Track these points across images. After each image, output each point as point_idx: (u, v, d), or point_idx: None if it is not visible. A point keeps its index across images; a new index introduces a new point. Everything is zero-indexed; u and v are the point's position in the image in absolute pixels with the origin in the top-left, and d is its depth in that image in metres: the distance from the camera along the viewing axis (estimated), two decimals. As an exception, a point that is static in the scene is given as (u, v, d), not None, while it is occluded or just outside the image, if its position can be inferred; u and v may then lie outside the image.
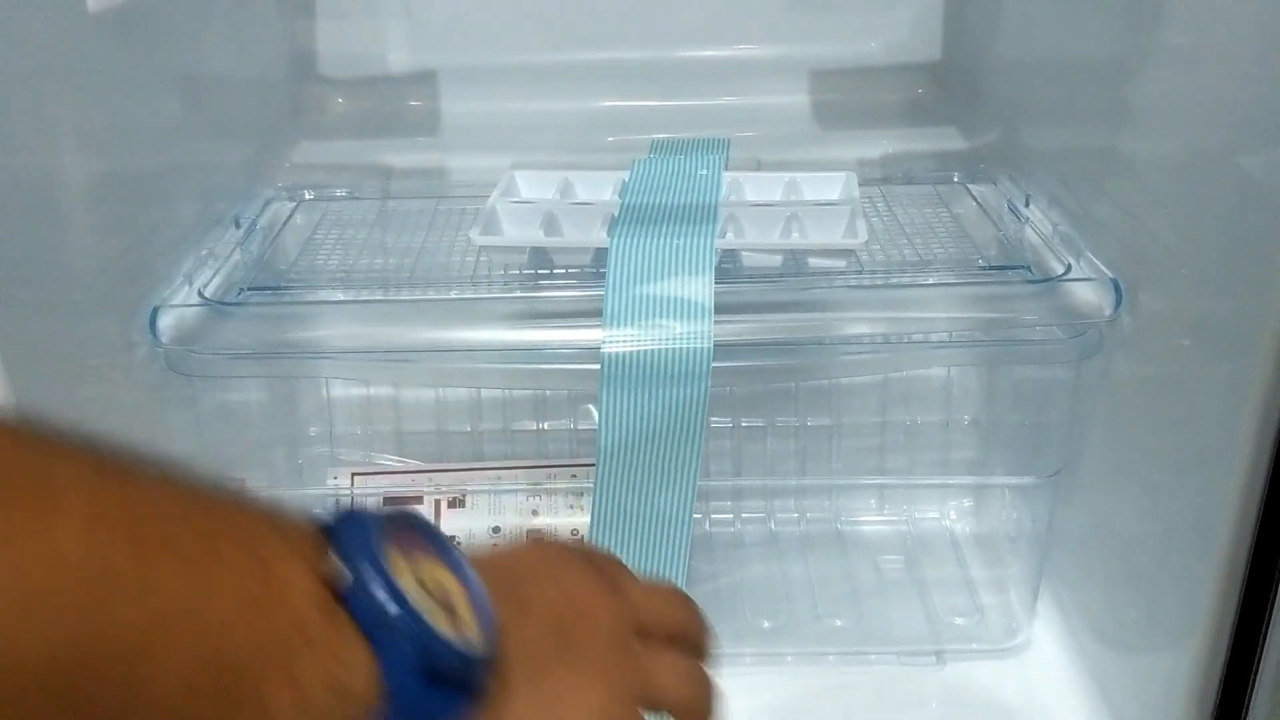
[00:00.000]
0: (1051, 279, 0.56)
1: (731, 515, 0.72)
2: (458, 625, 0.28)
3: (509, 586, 0.31)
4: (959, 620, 0.64)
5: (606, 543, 0.54)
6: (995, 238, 0.62)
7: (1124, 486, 0.56)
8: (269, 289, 0.59)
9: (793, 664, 0.60)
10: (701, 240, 0.53)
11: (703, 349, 0.50)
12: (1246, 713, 0.45)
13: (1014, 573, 0.64)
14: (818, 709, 0.57)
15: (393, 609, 0.27)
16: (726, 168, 0.64)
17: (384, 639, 0.26)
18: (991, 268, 0.59)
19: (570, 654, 0.32)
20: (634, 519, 0.53)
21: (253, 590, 0.26)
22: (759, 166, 0.68)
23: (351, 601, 0.27)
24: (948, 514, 0.72)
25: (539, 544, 0.37)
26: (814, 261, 0.56)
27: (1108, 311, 0.54)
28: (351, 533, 0.28)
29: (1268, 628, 0.43)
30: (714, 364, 0.52)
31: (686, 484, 0.53)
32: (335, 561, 0.27)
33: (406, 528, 0.29)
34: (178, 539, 0.25)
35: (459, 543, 0.31)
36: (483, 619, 0.29)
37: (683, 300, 0.51)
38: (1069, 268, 0.56)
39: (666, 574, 0.54)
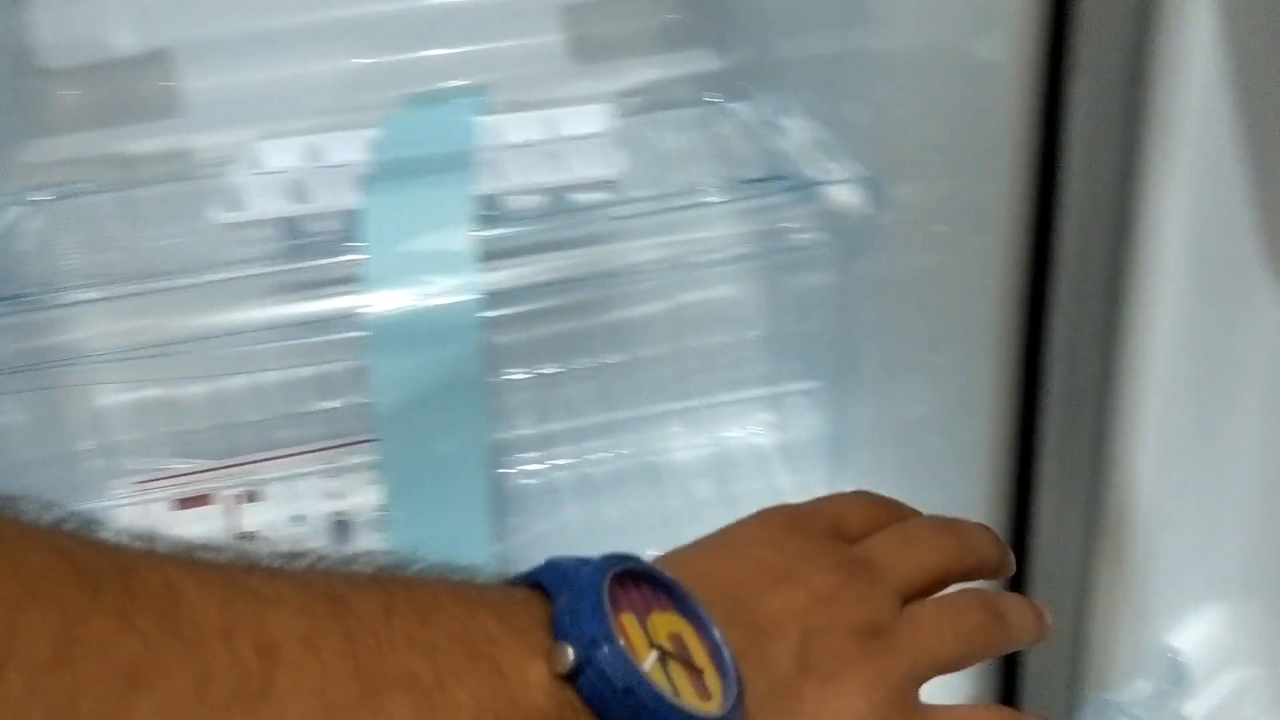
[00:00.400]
0: (811, 185, 0.56)
1: (542, 465, 0.72)
2: (700, 680, 0.26)
3: (739, 603, 0.28)
4: (771, 531, 0.65)
5: (403, 513, 0.53)
6: (755, 152, 0.63)
7: (904, 376, 0.58)
8: (7, 299, 0.55)
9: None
10: (456, 189, 0.52)
11: (469, 300, 0.49)
12: (1030, 578, 0.47)
13: (817, 476, 0.66)
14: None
15: (640, 700, 0.24)
16: (483, 113, 0.63)
17: None
18: (754, 181, 0.59)
19: (819, 664, 0.28)
20: (427, 484, 0.52)
21: (489, 704, 0.23)
22: (516, 109, 0.67)
23: (589, 693, 0.25)
24: (752, 430, 0.73)
25: (763, 526, 0.31)
26: (578, 196, 0.56)
27: (867, 210, 0.55)
28: (576, 606, 0.25)
29: (1036, 492, 0.45)
30: (491, 313, 0.51)
31: (476, 440, 0.52)
32: (564, 646, 0.25)
33: (627, 578, 0.27)
34: (405, 665, 0.23)
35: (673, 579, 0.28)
36: (722, 665, 0.27)
37: (443, 253, 0.50)
38: (827, 173, 0.57)
39: (469, 532, 0.53)
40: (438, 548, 0.54)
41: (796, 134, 0.62)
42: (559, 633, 0.25)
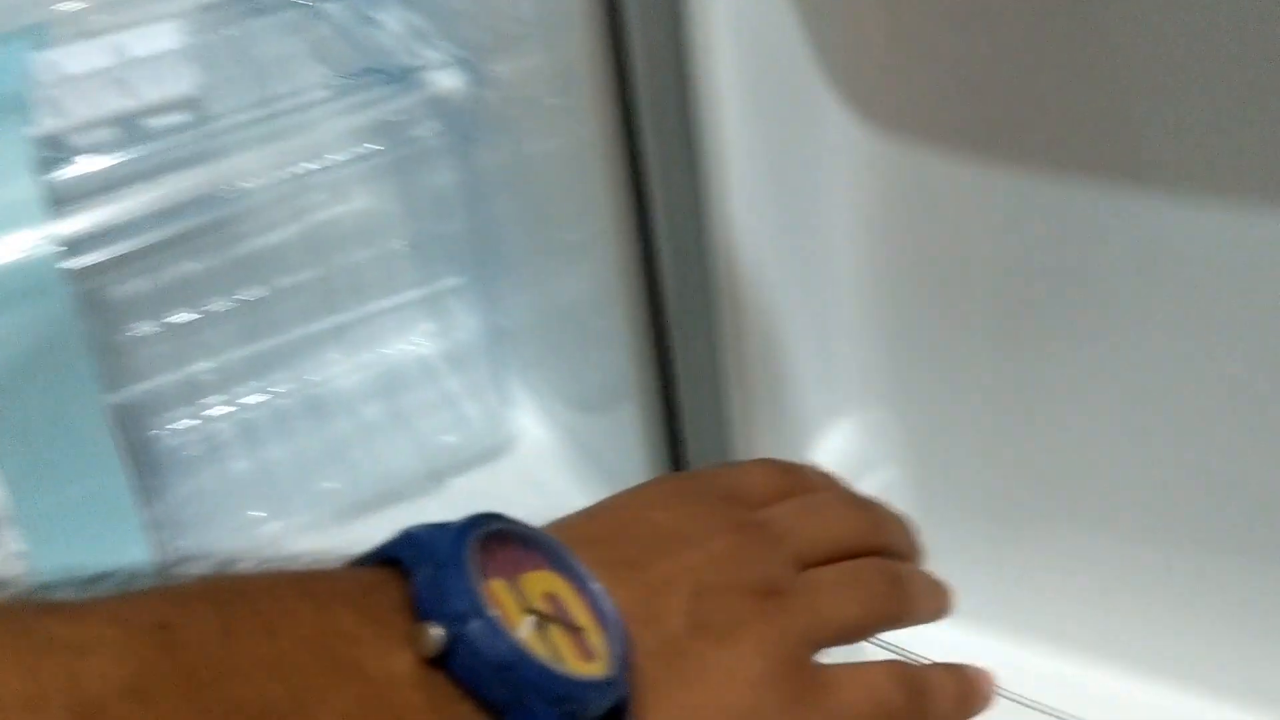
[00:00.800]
0: (409, 72, 0.54)
1: (195, 419, 0.67)
2: (581, 639, 0.24)
3: (628, 563, 0.26)
4: (448, 438, 0.63)
5: (31, 499, 0.48)
6: (354, 50, 0.60)
7: (551, 262, 0.57)
8: None
9: (292, 538, 0.57)
10: (9, 134, 0.46)
11: (46, 253, 0.44)
12: (680, 419, 0.48)
13: (486, 375, 0.65)
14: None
15: (520, 674, 0.22)
16: (40, 49, 0.56)
17: (514, 709, 0.22)
18: (351, 77, 0.56)
19: (712, 621, 0.26)
20: (48, 462, 0.47)
21: (358, 715, 0.21)
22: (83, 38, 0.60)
23: (463, 674, 0.22)
24: (415, 341, 0.71)
25: (655, 491, 0.30)
26: (156, 122, 0.51)
27: (471, 91, 0.54)
28: (438, 579, 0.22)
29: (671, 345, 0.46)
30: (81, 261, 0.47)
31: (90, 404, 0.47)
32: (428, 628, 0.22)
33: (492, 539, 0.24)
34: (256, 694, 0.19)
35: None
36: (604, 620, 0.24)
37: (3, 205, 0.44)
38: (425, 60, 0.55)
39: (110, 504, 0.49)
40: (78, 527, 0.50)
41: (393, 26, 0.59)
42: (422, 613, 0.22)
